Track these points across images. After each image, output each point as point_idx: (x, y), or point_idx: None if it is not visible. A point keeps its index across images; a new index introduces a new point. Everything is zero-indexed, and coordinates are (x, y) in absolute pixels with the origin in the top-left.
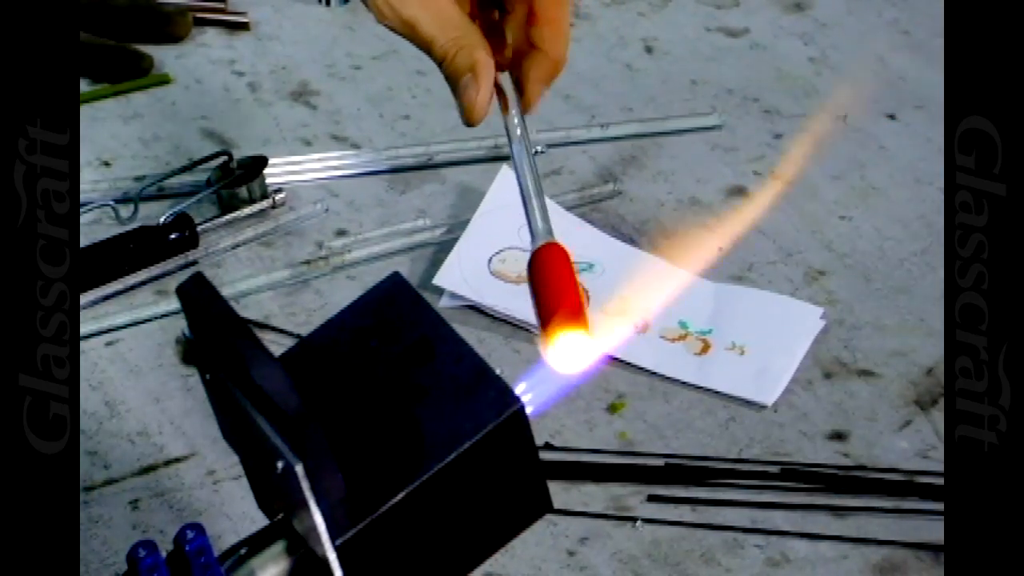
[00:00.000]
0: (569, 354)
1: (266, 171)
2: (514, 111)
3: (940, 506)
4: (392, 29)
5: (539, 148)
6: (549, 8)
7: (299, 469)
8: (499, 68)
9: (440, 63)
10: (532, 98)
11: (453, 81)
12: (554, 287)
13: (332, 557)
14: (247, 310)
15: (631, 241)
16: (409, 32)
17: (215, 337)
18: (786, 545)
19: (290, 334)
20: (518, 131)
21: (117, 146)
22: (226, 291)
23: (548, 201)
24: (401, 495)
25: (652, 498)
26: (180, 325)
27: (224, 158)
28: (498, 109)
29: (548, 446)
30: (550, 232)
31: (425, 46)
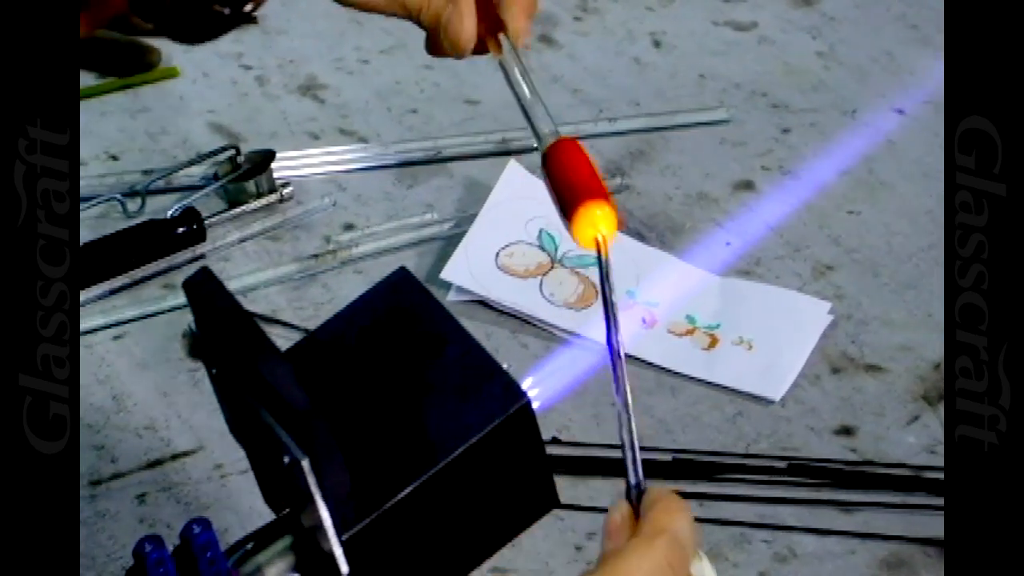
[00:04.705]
0: (597, 231)
1: (273, 165)
2: (504, 45)
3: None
4: (363, 5)
5: None
6: None
7: (305, 464)
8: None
9: (419, 13)
10: (520, 31)
11: (435, 19)
12: (575, 173)
13: (338, 552)
14: (254, 304)
15: (639, 236)
16: None
17: (222, 331)
18: (793, 540)
19: (297, 328)
20: (513, 61)
21: (124, 140)
22: (233, 285)
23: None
24: (408, 490)
25: None
26: (187, 319)
27: (231, 152)
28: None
29: (555, 441)
30: (556, 131)
31: (400, 4)
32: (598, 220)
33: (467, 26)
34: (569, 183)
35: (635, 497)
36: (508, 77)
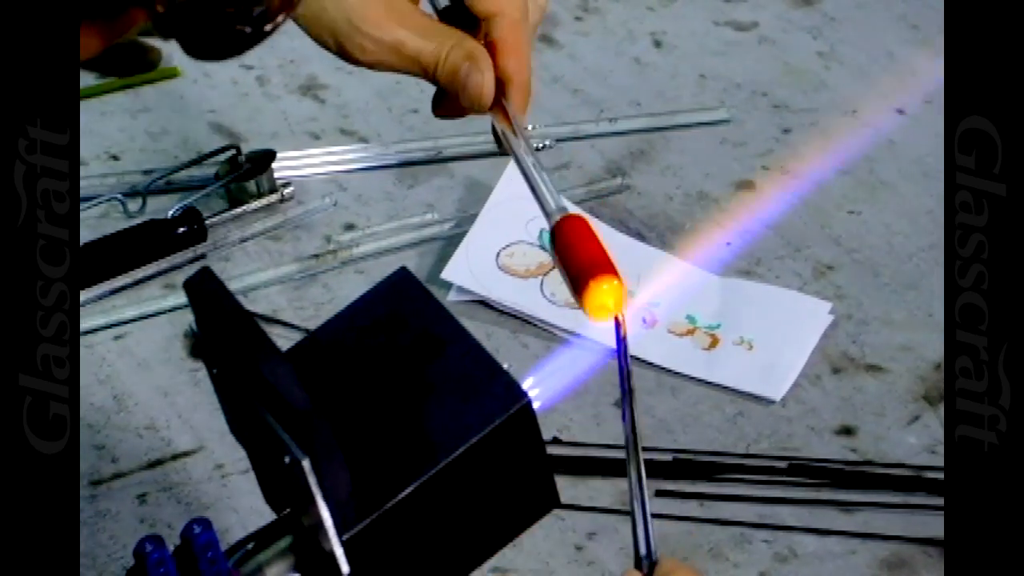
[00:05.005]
0: (607, 305)
1: (274, 165)
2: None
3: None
4: (374, 65)
5: (547, 143)
6: (508, 37)
7: (306, 464)
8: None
9: (434, 70)
10: (520, 118)
11: (452, 75)
12: (582, 249)
13: (339, 552)
14: (255, 304)
15: (639, 235)
16: (395, 56)
17: (222, 331)
18: (794, 540)
19: (298, 328)
20: (513, 134)
21: (125, 140)
22: (234, 285)
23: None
24: (408, 490)
25: (660, 493)
26: (188, 319)
27: (232, 152)
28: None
29: (556, 441)
30: (564, 207)
31: (413, 61)
32: (606, 297)
33: (487, 80)
34: (577, 261)
35: (646, 568)
36: (514, 152)
